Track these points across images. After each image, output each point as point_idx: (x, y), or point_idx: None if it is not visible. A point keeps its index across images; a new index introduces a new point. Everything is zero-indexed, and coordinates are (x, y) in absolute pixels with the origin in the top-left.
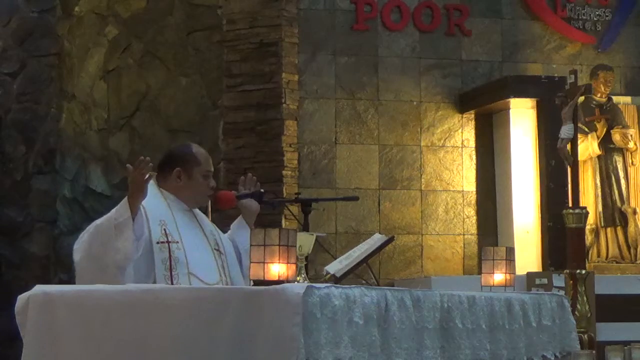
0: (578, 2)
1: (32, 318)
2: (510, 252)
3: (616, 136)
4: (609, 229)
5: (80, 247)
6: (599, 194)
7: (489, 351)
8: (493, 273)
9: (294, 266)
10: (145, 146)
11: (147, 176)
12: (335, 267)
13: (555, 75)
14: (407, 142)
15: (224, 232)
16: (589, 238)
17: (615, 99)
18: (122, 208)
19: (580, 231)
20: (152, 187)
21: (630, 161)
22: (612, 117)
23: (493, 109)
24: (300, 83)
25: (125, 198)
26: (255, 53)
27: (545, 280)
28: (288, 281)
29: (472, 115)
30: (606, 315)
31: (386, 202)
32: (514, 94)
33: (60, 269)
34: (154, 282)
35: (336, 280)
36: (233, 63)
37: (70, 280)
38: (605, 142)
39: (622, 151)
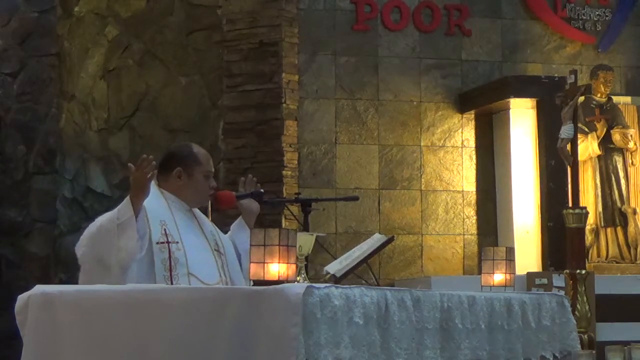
0: (578, 2)
1: (32, 318)
2: (510, 252)
3: (616, 136)
4: (609, 229)
5: (82, 246)
6: (599, 194)
7: (488, 351)
8: (493, 273)
9: (294, 266)
10: (145, 146)
11: (149, 175)
12: (335, 267)
13: (555, 75)
14: (407, 142)
15: (224, 232)
16: (589, 238)
17: (615, 99)
18: (124, 207)
19: (580, 231)
20: (152, 187)
21: (630, 161)
22: (612, 117)
23: (493, 109)
24: (300, 83)
25: (128, 197)
26: (255, 53)
27: (545, 280)
28: (288, 281)
29: (472, 115)
30: (606, 315)
31: (386, 202)
32: (514, 94)
33: (60, 269)
34: (154, 283)
35: (336, 280)
36: (233, 63)
37: (70, 280)
38: (605, 142)
39: (622, 151)
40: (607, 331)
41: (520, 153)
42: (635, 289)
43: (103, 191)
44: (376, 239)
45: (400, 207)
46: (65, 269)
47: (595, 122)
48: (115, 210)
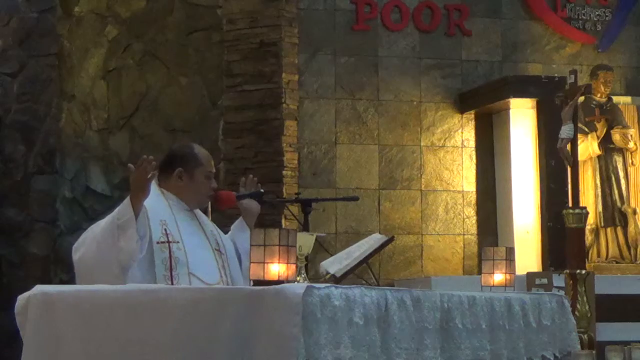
0: (578, 2)
1: (32, 318)
2: (510, 252)
3: (616, 136)
4: (609, 229)
5: (81, 247)
6: (599, 194)
7: (488, 351)
8: (493, 273)
9: (294, 266)
10: (145, 146)
11: (150, 175)
12: (334, 266)
13: (555, 75)
14: (407, 142)
15: (225, 232)
16: (589, 238)
17: (615, 99)
18: (124, 208)
19: (580, 231)
20: (153, 187)
21: (630, 161)
22: (612, 117)
23: (493, 109)
24: (300, 83)
25: (128, 198)
26: (255, 53)
27: (545, 280)
28: (288, 281)
29: (472, 115)
30: (606, 315)
31: (386, 202)
32: (514, 94)
33: (60, 269)
34: (155, 282)
35: (336, 280)
36: (233, 63)
37: (70, 280)
38: (605, 142)
39: (622, 151)
40: (607, 331)
41: (520, 153)
42: (635, 289)
43: (103, 191)
44: (376, 239)
45: (400, 207)
46: (65, 269)
47: (595, 122)
48: (115, 211)
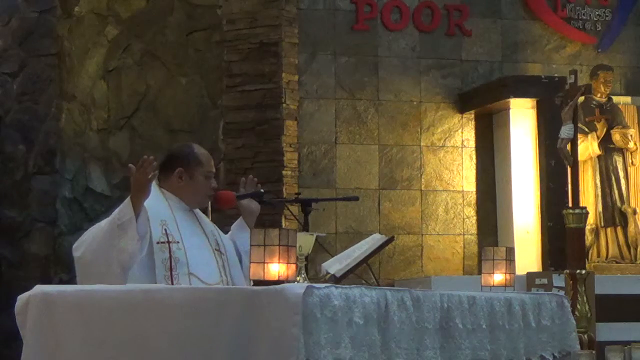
0: (578, 2)
1: (32, 318)
2: (510, 252)
3: (616, 136)
4: (609, 229)
5: (81, 245)
6: (599, 194)
7: (489, 351)
8: (493, 273)
9: (294, 266)
10: (145, 146)
11: (150, 175)
12: (334, 266)
13: (555, 75)
14: (407, 142)
15: (224, 232)
16: (589, 238)
17: (615, 99)
18: (125, 208)
19: (580, 231)
20: (153, 187)
21: (630, 161)
22: (612, 117)
23: (493, 109)
24: (300, 83)
25: (128, 198)
26: (255, 53)
27: (545, 280)
28: (288, 281)
29: (472, 115)
30: (606, 315)
31: (386, 202)
32: (514, 94)
33: (60, 269)
34: (155, 283)
35: (336, 280)
36: (233, 63)
37: (70, 280)
38: (605, 142)
39: (622, 151)
40: (607, 331)
41: (520, 153)
42: (635, 289)
43: (103, 191)
44: (376, 239)
45: (400, 207)
46: (65, 269)
47: (595, 122)
48: (116, 211)
